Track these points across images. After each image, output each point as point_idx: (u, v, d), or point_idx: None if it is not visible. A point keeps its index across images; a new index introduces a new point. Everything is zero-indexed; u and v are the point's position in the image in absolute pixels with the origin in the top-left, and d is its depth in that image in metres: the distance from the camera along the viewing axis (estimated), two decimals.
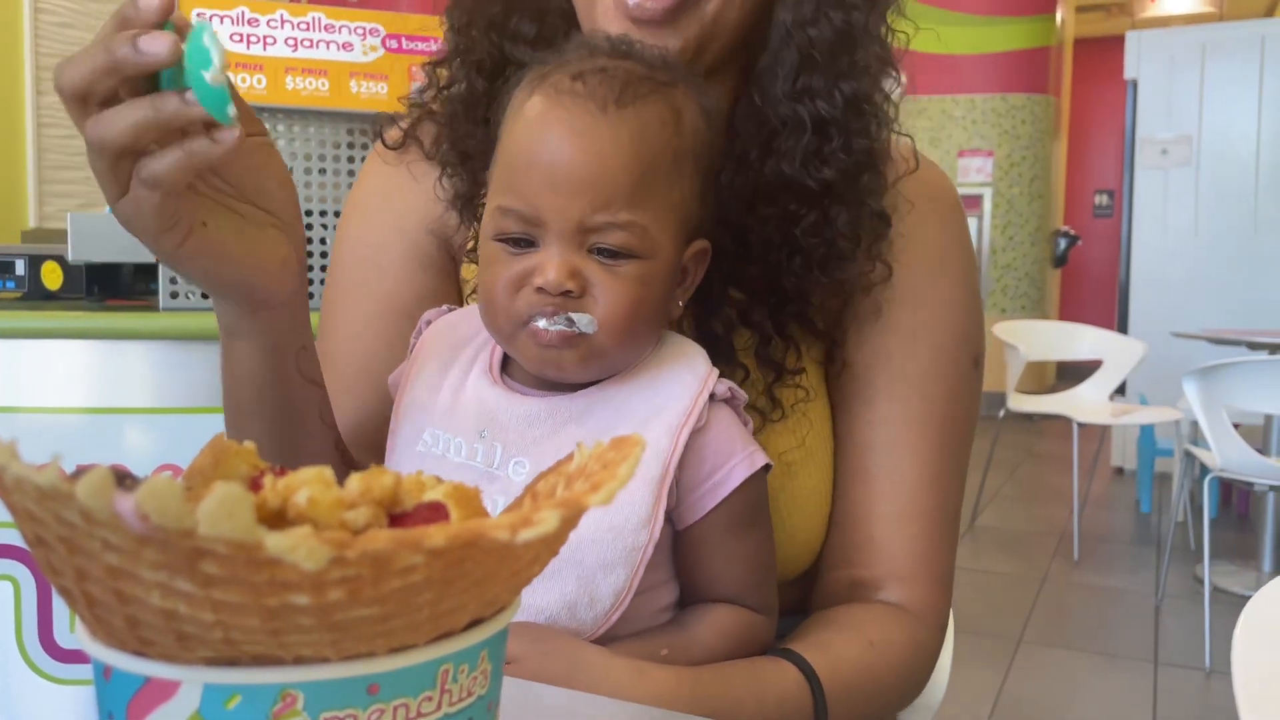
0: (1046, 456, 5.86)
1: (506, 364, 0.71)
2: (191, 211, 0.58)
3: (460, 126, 0.80)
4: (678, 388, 0.66)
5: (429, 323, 0.75)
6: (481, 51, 0.79)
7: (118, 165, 0.55)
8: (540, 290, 0.62)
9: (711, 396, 0.66)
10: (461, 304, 0.84)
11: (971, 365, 0.80)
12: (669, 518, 0.66)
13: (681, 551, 0.67)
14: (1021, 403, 4.18)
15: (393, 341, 0.82)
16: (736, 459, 0.66)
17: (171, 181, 0.55)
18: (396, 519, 0.30)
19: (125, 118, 0.53)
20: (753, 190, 0.73)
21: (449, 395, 0.70)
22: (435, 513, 0.30)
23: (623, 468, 0.29)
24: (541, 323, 0.62)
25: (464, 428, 0.67)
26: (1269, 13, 7.98)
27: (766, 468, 0.67)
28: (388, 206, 0.85)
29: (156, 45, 0.51)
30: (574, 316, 0.62)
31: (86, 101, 0.54)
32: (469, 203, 0.81)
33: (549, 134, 0.62)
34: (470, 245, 0.83)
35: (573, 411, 0.66)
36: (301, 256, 0.66)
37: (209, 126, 0.54)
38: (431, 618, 0.29)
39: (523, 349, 0.64)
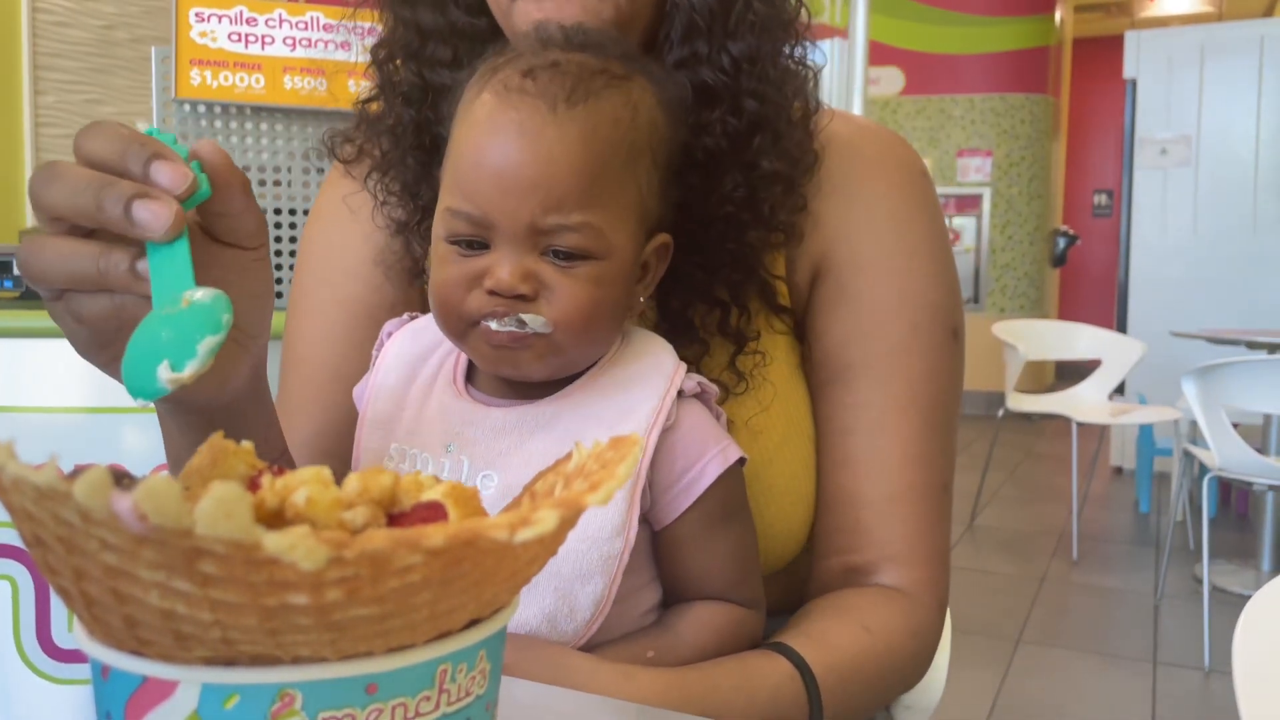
0: (1046, 456, 5.86)
1: (471, 374, 0.69)
2: (130, 325, 0.51)
3: (392, 157, 0.79)
4: (645, 388, 0.65)
5: (390, 334, 0.73)
6: (405, 83, 0.78)
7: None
8: (492, 292, 0.60)
9: (681, 393, 0.65)
10: (425, 309, 0.83)
11: (950, 337, 0.78)
12: (646, 519, 0.65)
13: (661, 552, 0.67)
14: (1020, 402, 4.18)
15: (359, 345, 0.81)
16: (709, 455, 0.64)
17: (96, 324, 0.51)
18: (395, 519, 0.30)
19: (64, 264, 0.49)
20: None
21: (414, 409, 0.68)
22: (433, 512, 0.30)
23: (621, 467, 0.29)
24: (493, 324, 0.60)
25: (430, 442, 0.66)
26: (1268, 12, 7.98)
27: (741, 461, 0.66)
28: (350, 212, 0.84)
29: (155, 221, 0.47)
30: (526, 318, 0.60)
31: (58, 223, 0.50)
32: (416, 229, 0.80)
33: (497, 135, 0.60)
34: (423, 269, 0.81)
35: (540, 420, 0.64)
36: (257, 366, 0.62)
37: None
38: (430, 617, 0.29)
39: (475, 348, 0.63)
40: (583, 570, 0.62)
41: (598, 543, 0.62)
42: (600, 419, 0.64)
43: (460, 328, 0.63)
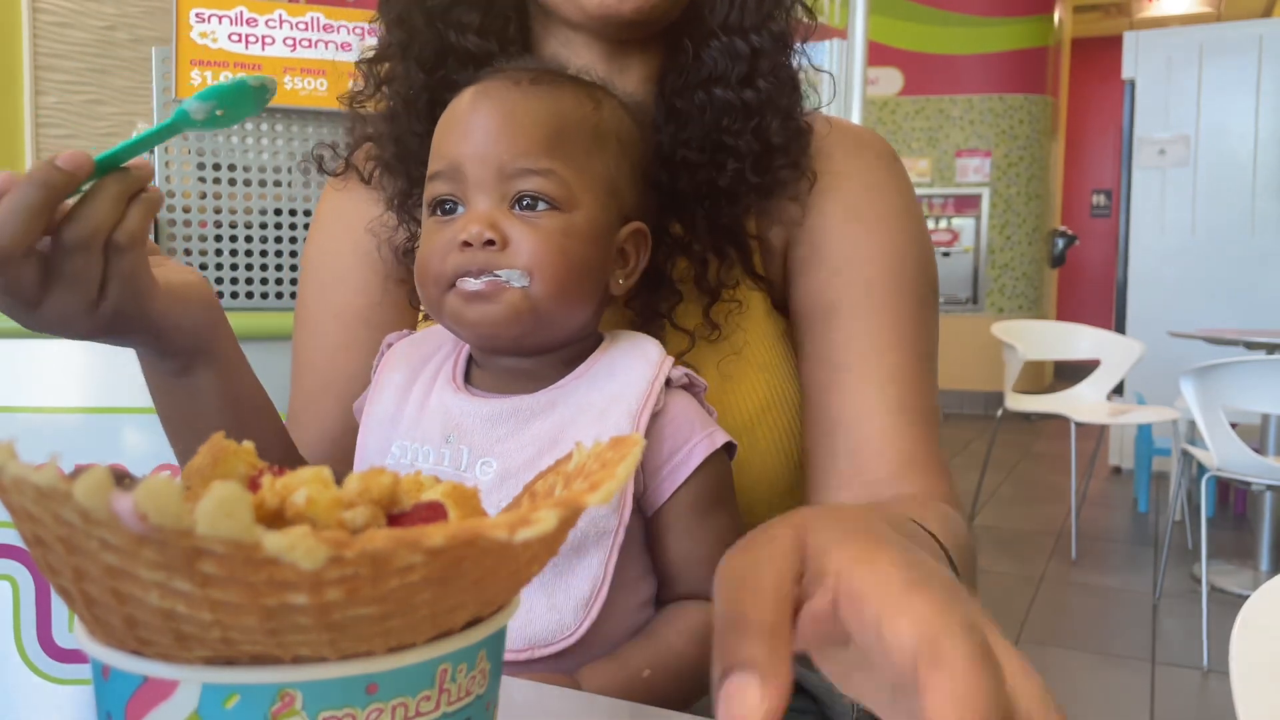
0: (1044, 456, 5.86)
1: (470, 374, 0.72)
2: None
3: (400, 124, 0.80)
4: (633, 375, 0.67)
5: (390, 345, 0.76)
6: (420, 43, 0.79)
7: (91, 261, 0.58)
8: (465, 245, 0.63)
9: (669, 383, 0.68)
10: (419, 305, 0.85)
11: (929, 290, 0.80)
12: (638, 506, 0.67)
13: (652, 540, 0.68)
14: (1019, 402, 4.18)
15: (358, 351, 0.83)
16: (696, 439, 0.67)
17: (142, 233, 0.59)
18: (395, 519, 0.30)
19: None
20: (696, 113, 0.78)
21: (414, 409, 0.71)
22: (434, 512, 0.30)
23: (621, 467, 0.29)
24: (469, 281, 0.64)
25: (430, 436, 0.69)
26: (1266, 13, 7.98)
27: (729, 448, 0.69)
28: (342, 219, 0.87)
29: (72, 158, 0.55)
30: (501, 272, 0.63)
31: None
32: (405, 201, 0.81)
33: (470, 105, 0.66)
34: (406, 250, 0.83)
35: (534, 409, 0.67)
36: (213, 323, 0.70)
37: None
38: (430, 617, 0.29)
39: (453, 311, 0.65)
40: (577, 542, 0.63)
41: (593, 519, 0.64)
42: (591, 406, 0.67)
43: (438, 294, 0.66)
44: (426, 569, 0.26)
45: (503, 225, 0.64)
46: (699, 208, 0.77)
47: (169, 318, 0.65)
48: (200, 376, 0.70)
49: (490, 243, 0.63)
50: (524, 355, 0.69)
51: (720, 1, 0.77)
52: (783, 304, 0.82)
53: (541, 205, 0.64)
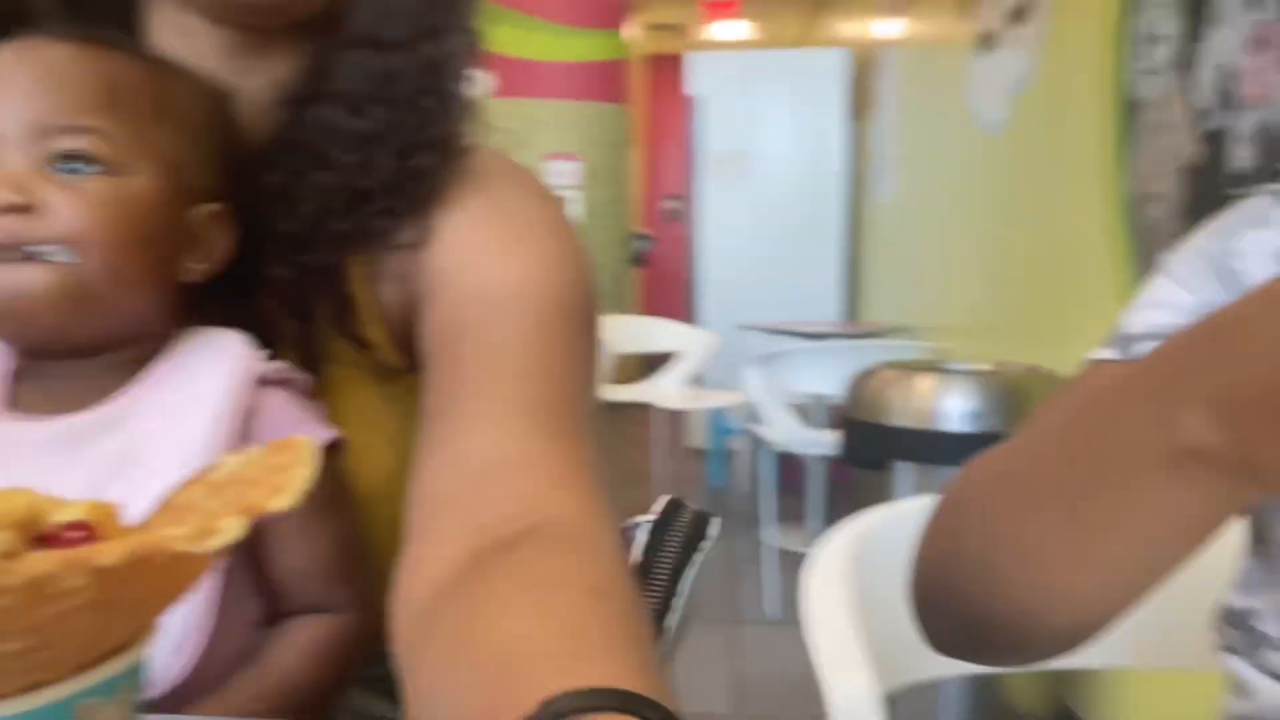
0: (637, 441, 6.29)
1: (19, 395, 0.62)
2: None
3: None
4: (217, 371, 0.61)
5: None
6: None
7: None
8: None
9: (264, 382, 0.62)
10: None
11: (580, 309, 0.69)
12: None
13: (257, 552, 0.62)
14: (611, 393, 4.47)
15: None
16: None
17: None
18: (40, 542, 0.28)
19: None
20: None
21: None
22: (82, 532, 0.28)
23: (302, 470, 0.29)
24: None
25: None
26: (798, 43, 9.13)
27: (335, 445, 0.63)
28: None
29: None
30: (37, 249, 0.56)
31: None
32: None
33: (6, 61, 0.58)
34: None
35: (97, 427, 0.59)
36: None
37: None
38: (80, 648, 0.27)
39: None
40: None
41: None
42: (167, 411, 0.59)
43: None
44: (91, 591, 0.25)
45: (36, 188, 0.56)
46: (287, 253, 0.66)
47: None
48: None
49: (20, 208, 0.55)
50: (76, 353, 0.60)
51: (366, 8, 0.67)
52: (409, 365, 0.70)
53: (89, 168, 0.57)
